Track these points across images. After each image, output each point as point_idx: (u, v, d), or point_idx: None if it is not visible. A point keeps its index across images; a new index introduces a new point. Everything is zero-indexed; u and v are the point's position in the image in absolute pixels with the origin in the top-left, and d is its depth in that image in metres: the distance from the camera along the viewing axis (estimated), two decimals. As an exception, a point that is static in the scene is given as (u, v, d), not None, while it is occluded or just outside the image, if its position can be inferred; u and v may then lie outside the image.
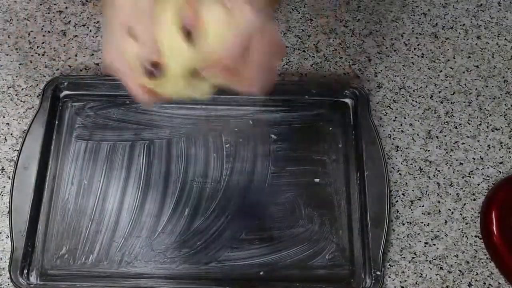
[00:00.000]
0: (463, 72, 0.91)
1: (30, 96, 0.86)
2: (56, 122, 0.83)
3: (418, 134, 0.86)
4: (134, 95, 0.54)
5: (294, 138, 0.82)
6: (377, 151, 0.81)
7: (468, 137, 0.86)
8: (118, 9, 0.50)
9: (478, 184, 0.82)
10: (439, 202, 0.81)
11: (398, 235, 0.79)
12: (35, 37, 0.91)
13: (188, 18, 0.49)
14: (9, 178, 0.80)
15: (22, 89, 0.87)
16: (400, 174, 0.83)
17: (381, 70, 0.91)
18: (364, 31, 0.94)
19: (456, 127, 0.87)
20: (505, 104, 0.89)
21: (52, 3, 0.94)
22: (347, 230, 0.78)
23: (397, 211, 0.80)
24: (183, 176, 0.80)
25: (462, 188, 0.82)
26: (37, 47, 0.91)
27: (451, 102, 0.89)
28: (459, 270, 0.77)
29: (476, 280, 0.76)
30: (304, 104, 0.86)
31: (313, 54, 0.92)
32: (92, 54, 0.90)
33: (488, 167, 0.84)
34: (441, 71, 0.91)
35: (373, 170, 0.80)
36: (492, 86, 0.90)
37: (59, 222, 0.77)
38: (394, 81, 0.90)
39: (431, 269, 0.77)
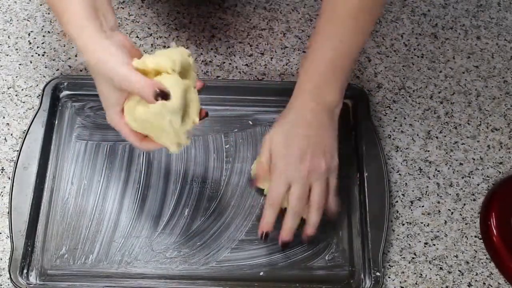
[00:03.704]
0: (463, 73, 0.91)
1: (30, 96, 0.86)
2: (56, 122, 0.83)
3: (418, 135, 0.86)
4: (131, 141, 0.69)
5: (294, 138, 0.82)
6: (377, 151, 0.81)
7: (468, 137, 0.86)
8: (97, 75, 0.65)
9: (478, 184, 0.82)
10: (439, 202, 0.81)
11: (398, 235, 0.79)
12: (35, 38, 0.91)
13: None
14: (9, 178, 0.80)
15: (22, 89, 0.87)
16: (400, 174, 0.83)
17: (381, 70, 0.91)
18: (364, 31, 0.94)
19: (456, 128, 0.87)
20: (505, 105, 0.89)
21: (52, 3, 0.94)
22: (347, 230, 0.78)
23: (397, 212, 0.80)
24: (183, 177, 0.80)
25: (462, 188, 0.82)
26: (37, 47, 0.91)
27: (451, 103, 0.89)
28: (459, 270, 0.77)
29: (476, 280, 0.76)
30: (304, 104, 0.86)
31: (313, 54, 0.91)
32: (92, 54, 0.90)
33: (488, 167, 0.84)
34: (440, 72, 0.91)
35: (373, 171, 0.80)
36: (492, 87, 0.90)
37: (59, 222, 0.77)
38: (394, 81, 0.90)
39: (431, 269, 0.77)
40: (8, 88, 0.87)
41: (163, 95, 0.60)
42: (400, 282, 0.76)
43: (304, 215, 0.73)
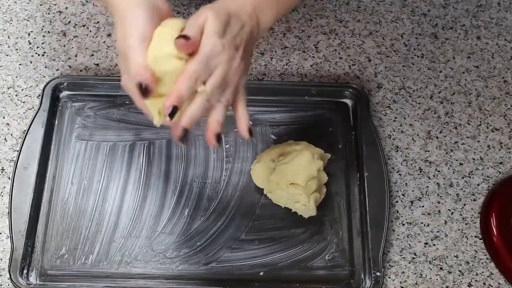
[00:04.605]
0: (463, 73, 0.91)
1: (30, 96, 0.86)
2: (56, 122, 0.83)
3: (418, 135, 0.86)
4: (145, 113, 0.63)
5: (294, 138, 0.82)
6: (377, 151, 0.81)
7: (468, 137, 0.86)
8: (117, 39, 0.61)
9: (478, 185, 0.82)
10: (439, 202, 0.81)
11: (398, 235, 0.79)
12: (35, 38, 0.91)
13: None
14: (9, 178, 0.80)
15: (22, 89, 0.87)
16: (400, 174, 0.83)
17: (381, 70, 0.91)
18: (364, 31, 0.94)
19: (456, 128, 0.87)
20: (505, 105, 0.89)
21: (52, 4, 0.95)
22: (347, 230, 0.78)
23: (397, 212, 0.80)
24: (183, 177, 0.80)
25: (462, 189, 0.82)
26: (37, 47, 0.91)
27: (451, 103, 0.89)
28: (459, 271, 0.77)
29: (476, 280, 0.76)
30: (304, 104, 0.86)
31: (313, 54, 0.92)
32: (92, 55, 0.90)
33: (488, 167, 0.84)
34: (441, 72, 0.91)
35: (373, 171, 0.80)
36: (492, 87, 0.90)
37: (59, 222, 0.77)
38: (394, 81, 0.90)
39: (431, 269, 0.77)
40: (8, 88, 0.87)
41: (144, 91, 0.58)
42: (400, 282, 0.76)
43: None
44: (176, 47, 0.58)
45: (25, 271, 0.74)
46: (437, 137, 0.86)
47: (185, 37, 0.57)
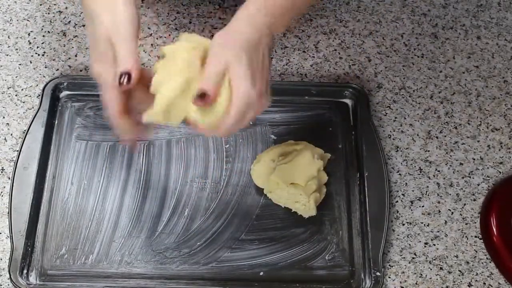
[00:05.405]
0: (463, 73, 0.91)
1: (30, 96, 0.86)
2: (56, 122, 0.83)
3: (418, 135, 0.86)
4: (105, 104, 0.61)
5: (294, 138, 0.82)
6: (377, 151, 0.81)
7: (468, 137, 0.86)
8: (101, 24, 0.60)
9: (478, 184, 0.82)
10: (439, 202, 0.81)
11: (398, 235, 0.79)
12: (35, 37, 0.91)
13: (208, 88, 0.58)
14: (9, 178, 0.80)
15: (22, 89, 0.87)
16: (400, 174, 0.83)
17: (381, 70, 0.91)
18: (364, 31, 0.94)
19: (456, 127, 0.87)
20: (505, 105, 0.89)
21: (52, 4, 0.95)
22: (347, 230, 0.78)
23: (397, 212, 0.80)
24: (183, 177, 0.80)
25: (462, 188, 0.82)
26: (37, 47, 0.91)
27: (451, 103, 0.89)
28: (459, 271, 0.77)
29: (476, 280, 0.76)
30: (304, 104, 0.86)
31: (313, 54, 0.92)
32: (92, 54, 0.90)
33: (488, 167, 0.84)
34: (441, 72, 0.91)
35: (373, 171, 0.80)
36: (492, 87, 0.90)
37: (59, 222, 0.77)
38: (394, 81, 0.90)
39: (431, 269, 0.77)
40: (8, 88, 0.87)
41: (125, 78, 0.57)
42: (400, 282, 0.76)
43: None
44: (195, 104, 0.58)
45: (25, 271, 0.74)
46: (437, 137, 0.86)
47: (204, 95, 0.57)
